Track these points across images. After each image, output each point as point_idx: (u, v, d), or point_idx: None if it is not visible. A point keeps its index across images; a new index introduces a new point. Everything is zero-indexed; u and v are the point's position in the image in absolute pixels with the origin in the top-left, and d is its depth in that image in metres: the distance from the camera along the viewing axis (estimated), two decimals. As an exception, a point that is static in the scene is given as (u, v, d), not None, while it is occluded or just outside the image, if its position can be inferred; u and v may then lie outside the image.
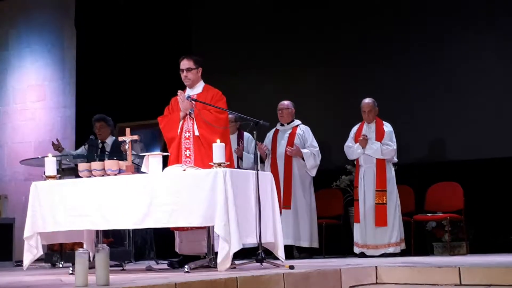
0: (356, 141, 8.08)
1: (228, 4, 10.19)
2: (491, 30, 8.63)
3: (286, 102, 8.38)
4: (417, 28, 9.00)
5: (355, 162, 8.23)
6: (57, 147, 8.40)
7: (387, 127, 8.07)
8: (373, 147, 7.96)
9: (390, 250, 7.79)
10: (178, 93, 6.25)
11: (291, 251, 8.03)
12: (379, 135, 8.01)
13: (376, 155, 7.95)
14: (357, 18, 9.36)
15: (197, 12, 10.47)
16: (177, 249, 6.31)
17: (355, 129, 8.23)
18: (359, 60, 9.28)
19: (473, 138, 8.55)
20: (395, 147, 7.97)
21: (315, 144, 8.23)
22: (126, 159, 6.05)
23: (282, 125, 8.39)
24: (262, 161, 8.30)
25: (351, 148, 8.12)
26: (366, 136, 7.97)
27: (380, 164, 7.95)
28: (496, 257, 7.07)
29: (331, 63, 9.45)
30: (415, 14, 9.05)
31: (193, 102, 6.15)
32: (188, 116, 6.22)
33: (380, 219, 7.82)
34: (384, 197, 7.86)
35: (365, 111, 8.08)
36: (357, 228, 7.99)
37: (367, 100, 8.10)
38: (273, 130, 8.38)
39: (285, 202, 8.03)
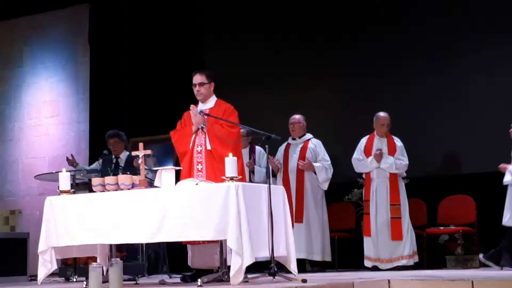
0: (366, 154, 8.08)
1: (240, 18, 10.25)
2: (507, 44, 8.62)
3: (297, 116, 8.42)
4: (430, 41, 9.00)
5: (363, 176, 8.23)
6: (71, 162, 8.46)
7: (398, 142, 8.09)
8: (388, 161, 7.97)
9: (403, 262, 7.78)
10: (191, 108, 6.30)
11: (304, 265, 8.04)
12: (392, 150, 8.02)
13: (390, 169, 7.97)
14: (368, 31, 9.38)
15: (210, 26, 10.53)
16: (189, 263, 6.33)
17: (364, 141, 8.22)
18: (370, 74, 9.29)
19: (486, 151, 8.52)
20: (407, 162, 8.01)
21: (327, 157, 8.25)
22: (140, 174, 6.09)
23: (293, 139, 8.42)
24: (274, 175, 8.32)
25: (362, 162, 8.12)
26: (381, 150, 7.98)
27: (393, 178, 7.97)
28: (509, 270, 7.05)
29: (343, 76, 9.47)
30: (428, 29, 9.05)
31: (205, 117, 6.20)
32: (200, 130, 6.26)
33: (396, 233, 7.83)
34: (399, 211, 7.87)
35: (384, 124, 8.09)
36: (368, 242, 7.98)
37: (384, 114, 8.11)
38: (285, 144, 8.41)
39: (297, 216, 8.04)
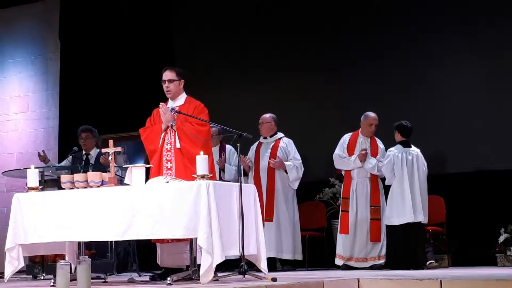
0: (349, 152, 8.06)
1: (211, 16, 10.22)
2: (477, 44, 8.68)
3: (267, 116, 8.41)
4: (404, 40, 9.03)
5: (342, 173, 8.23)
6: (43, 158, 8.37)
7: (381, 144, 8.11)
8: (371, 162, 7.98)
9: (381, 262, 7.81)
10: (160, 105, 6.26)
11: (274, 264, 8.04)
12: (374, 151, 8.04)
13: (372, 170, 7.98)
14: (341, 28, 9.39)
15: (180, 23, 10.49)
16: (158, 262, 6.30)
17: (347, 139, 8.17)
18: (342, 73, 9.31)
19: (455, 152, 8.60)
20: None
21: (298, 156, 8.26)
22: (109, 171, 6.04)
23: (265, 138, 8.41)
24: (246, 174, 8.32)
25: (344, 159, 8.09)
26: (367, 150, 7.97)
27: (374, 179, 8.01)
28: (478, 270, 7.12)
29: (314, 75, 9.47)
30: (409, 26, 9.07)
31: (175, 114, 6.16)
32: (170, 128, 6.22)
33: (375, 235, 7.85)
34: (379, 213, 7.90)
35: (372, 124, 8.07)
36: (343, 240, 7.96)
37: (374, 114, 8.08)
38: (257, 143, 8.41)
39: (267, 215, 8.05)
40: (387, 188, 7.99)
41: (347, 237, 7.95)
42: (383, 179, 8.02)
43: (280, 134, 8.43)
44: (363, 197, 7.96)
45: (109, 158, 6.03)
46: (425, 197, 7.68)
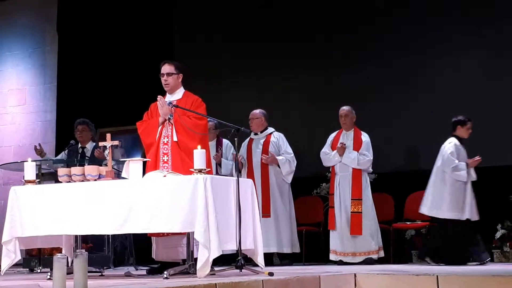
0: (333, 148, 8.10)
1: (210, 11, 10.20)
2: (474, 41, 8.69)
3: (256, 111, 8.39)
4: (396, 36, 9.05)
5: (330, 169, 8.25)
6: (39, 152, 8.35)
7: (365, 137, 8.10)
8: (350, 156, 7.99)
9: (371, 257, 7.80)
10: (158, 98, 6.25)
11: (271, 258, 8.04)
12: (357, 145, 8.04)
13: (352, 164, 7.98)
14: (333, 23, 9.39)
15: (179, 18, 10.47)
16: (153, 256, 6.30)
17: (332, 136, 8.25)
18: (336, 68, 9.31)
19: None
20: (371, 158, 8.01)
21: (290, 150, 8.25)
22: (106, 165, 6.03)
23: (255, 134, 8.40)
24: (239, 171, 8.30)
25: (328, 155, 8.14)
26: (344, 144, 8.00)
27: (356, 173, 7.98)
28: (474, 266, 7.12)
29: (309, 69, 9.46)
30: (395, 22, 9.09)
31: (173, 108, 6.15)
32: (167, 121, 6.22)
33: (356, 228, 7.85)
34: (360, 206, 7.89)
35: (342, 115, 8.12)
36: (334, 236, 8.01)
37: (344, 107, 8.15)
38: (248, 139, 8.39)
39: (264, 211, 8.02)
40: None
41: (335, 233, 7.97)
42: (375, 172, 8.02)
43: (270, 129, 8.41)
44: (346, 192, 7.97)
45: (106, 152, 6.03)
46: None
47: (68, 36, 10.86)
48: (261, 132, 8.37)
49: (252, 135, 8.38)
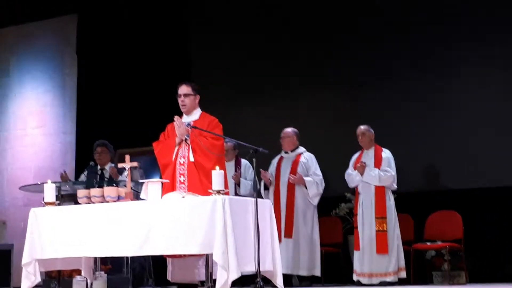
0: (355, 168, 8.07)
1: (228, 31, 10.25)
2: (495, 60, 8.65)
3: (289, 130, 8.37)
4: (418, 55, 9.03)
5: (354, 190, 8.22)
6: (65, 179, 8.33)
7: (386, 153, 8.07)
8: (371, 173, 7.95)
9: (389, 279, 7.74)
10: (175, 119, 6.27)
11: (290, 280, 7.99)
12: (378, 162, 8.01)
13: (374, 182, 7.94)
14: (357, 45, 9.40)
15: (197, 38, 10.53)
16: (169, 277, 6.28)
17: (355, 156, 8.23)
18: (360, 88, 9.31)
19: (472, 167, 8.54)
20: (394, 173, 7.96)
21: (319, 172, 8.20)
22: (124, 186, 6.04)
23: (286, 152, 8.37)
24: (267, 188, 8.28)
25: (351, 176, 8.12)
26: (364, 162, 7.97)
27: (379, 191, 7.93)
28: (495, 286, 7.04)
29: (335, 89, 9.48)
30: (416, 41, 9.08)
31: (190, 128, 6.16)
32: (184, 142, 6.23)
33: (381, 247, 7.77)
34: (385, 224, 7.83)
35: (359, 134, 8.11)
36: (356, 256, 7.96)
37: (361, 126, 8.13)
38: (278, 157, 8.37)
39: (286, 231, 7.98)
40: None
41: (358, 253, 7.91)
42: (395, 191, 7.99)
43: (301, 149, 8.38)
44: (369, 212, 7.92)
45: (125, 173, 6.04)
46: None
47: (88, 58, 10.94)
48: (292, 151, 8.34)
49: (282, 153, 8.36)
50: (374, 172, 7.95)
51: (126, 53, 10.63)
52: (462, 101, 8.76)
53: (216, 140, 6.18)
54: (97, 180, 8.08)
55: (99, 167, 8.47)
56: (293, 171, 8.18)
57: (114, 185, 6.76)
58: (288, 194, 8.13)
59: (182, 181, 6.18)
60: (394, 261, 7.78)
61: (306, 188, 8.13)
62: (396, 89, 9.12)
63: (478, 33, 8.74)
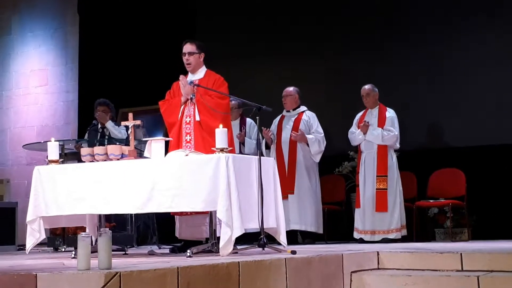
0: (359, 127, 8.08)
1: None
2: (492, 21, 8.60)
3: (290, 89, 8.36)
4: (418, 15, 8.97)
5: (357, 148, 8.23)
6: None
7: (390, 113, 8.06)
8: (374, 133, 7.96)
9: (391, 236, 7.78)
10: (180, 78, 6.25)
11: (295, 237, 8.04)
12: (381, 121, 8.01)
13: (377, 141, 7.95)
14: (358, 7, 9.32)
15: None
16: (177, 234, 6.32)
17: (358, 115, 8.23)
18: (362, 47, 9.25)
19: (475, 124, 8.53)
20: (397, 133, 7.95)
21: (320, 130, 8.22)
22: (128, 144, 6.04)
23: (288, 111, 8.37)
24: (268, 147, 8.29)
25: (354, 134, 8.13)
26: (368, 122, 7.97)
27: (381, 150, 7.94)
28: (498, 243, 7.08)
29: (337, 49, 9.42)
30: (416, 2, 9.00)
31: (195, 87, 6.14)
32: (190, 101, 6.21)
33: (381, 205, 7.81)
34: (385, 183, 7.85)
35: (363, 95, 8.11)
36: (357, 214, 8.00)
37: (365, 86, 8.11)
38: (279, 116, 8.37)
39: (288, 187, 8.01)
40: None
41: (359, 211, 7.95)
42: (398, 150, 8.00)
43: (303, 107, 8.37)
44: (371, 170, 7.94)
45: (129, 131, 6.04)
46: None
47: (89, 16, 10.87)
48: (294, 109, 8.34)
49: (284, 112, 8.37)
50: (377, 131, 7.95)
51: (129, 10, 10.56)
52: (465, 59, 8.71)
53: (221, 99, 6.16)
54: (98, 138, 8.08)
55: (99, 125, 8.47)
56: (295, 128, 8.19)
57: (116, 143, 6.75)
58: (290, 152, 8.15)
59: (188, 140, 6.18)
60: (397, 218, 7.81)
61: (307, 145, 8.14)
62: (399, 48, 9.06)
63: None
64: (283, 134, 8.25)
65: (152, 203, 5.53)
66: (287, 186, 7.95)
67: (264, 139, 8.21)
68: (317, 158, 8.17)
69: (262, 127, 8.08)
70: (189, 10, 10.41)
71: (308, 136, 8.13)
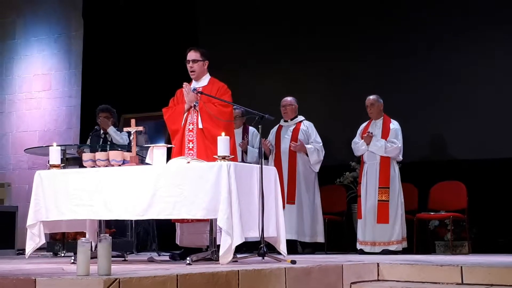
0: (362, 138, 8.07)
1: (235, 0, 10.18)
2: (497, 30, 8.59)
3: (289, 98, 8.39)
4: (422, 26, 8.97)
5: (360, 159, 8.23)
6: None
7: (394, 124, 8.06)
8: (377, 144, 7.96)
9: (392, 248, 7.77)
10: (184, 85, 6.26)
11: (295, 246, 8.03)
12: (385, 133, 8.00)
13: (380, 152, 7.95)
14: (361, 15, 9.32)
15: (204, 5, 10.45)
16: (177, 241, 6.32)
17: (362, 126, 8.23)
18: (364, 57, 9.25)
19: (478, 138, 8.52)
20: (400, 145, 7.95)
21: (319, 139, 8.24)
22: (130, 150, 6.05)
23: (285, 121, 8.39)
24: (266, 158, 8.30)
25: (357, 145, 8.13)
26: (371, 133, 7.97)
27: (384, 161, 7.94)
28: (498, 257, 7.06)
29: (336, 59, 9.40)
30: (420, 12, 9.01)
31: (198, 95, 6.15)
32: (193, 108, 6.22)
33: (382, 216, 7.80)
34: (387, 194, 7.85)
35: (368, 105, 8.11)
36: (359, 225, 7.99)
37: (369, 96, 8.12)
38: (277, 126, 8.39)
39: (289, 198, 8.03)
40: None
41: (361, 222, 7.94)
42: (400, 162, 7.99)
43: (300, 117, 8.40)
44: (373, 181, 7.93)
45: (131, 138, 6.05)
46: None
47: (93, 22, 10.89)
48: (291, 119, 8.34)
49: (281, 122, 8.38)
50: (380, 143, 7.95)
51: (133, 16, 10.57)
52: (468, 72, 8.70)
53: (224, 107, 6.17)
54: (100, 145, 8.09)
55: (102, 131, 8.47)
56: (294, 138, 8.21)
57: (118, 149, 6.75)
58: (289, 162, 8.17)
59: (191, 147, 6.19)
60: (398, 230, 7.80)
61: (307, 155, 8.14)
62: (403, 59, 9.05)
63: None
64: (282, 144, 8.27)
65: (153, 210, 5.53)
66: (288, 197, 7.96)
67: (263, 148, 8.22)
68: (316, 168, 8.19)
69: (262, 138, 8.09)
70: (192, 17, 10.41)
71: (307, 146, 8.14)
